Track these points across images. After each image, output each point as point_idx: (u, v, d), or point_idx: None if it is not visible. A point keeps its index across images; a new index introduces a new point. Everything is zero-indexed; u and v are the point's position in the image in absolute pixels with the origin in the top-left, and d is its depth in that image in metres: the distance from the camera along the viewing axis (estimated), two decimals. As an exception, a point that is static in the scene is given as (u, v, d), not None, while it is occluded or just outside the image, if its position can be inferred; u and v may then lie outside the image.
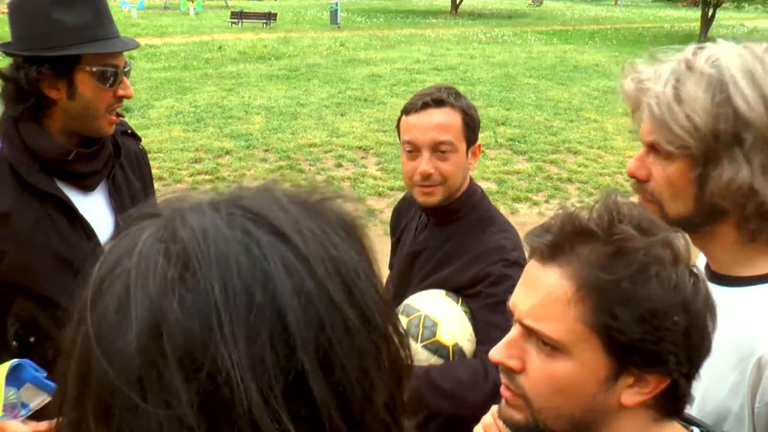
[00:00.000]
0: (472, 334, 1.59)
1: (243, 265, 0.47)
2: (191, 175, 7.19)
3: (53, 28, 1.46)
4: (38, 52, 1.46)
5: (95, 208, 1.64)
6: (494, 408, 1.03)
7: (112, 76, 1.54)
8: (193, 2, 35.16)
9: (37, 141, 1.52)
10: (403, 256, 1.82)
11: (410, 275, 1.77)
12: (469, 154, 1.72)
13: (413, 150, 1.65)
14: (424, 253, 1.75)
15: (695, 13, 30.36)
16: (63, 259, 1.55)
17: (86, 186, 1.62)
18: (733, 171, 1.00)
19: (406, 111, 1.70)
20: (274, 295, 0.47)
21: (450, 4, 40.82)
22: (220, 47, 18.33)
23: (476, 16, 37.76)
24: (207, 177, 7.17)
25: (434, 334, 1.55)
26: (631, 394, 0.84)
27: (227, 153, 8.09)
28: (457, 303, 1.62)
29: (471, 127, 1.70)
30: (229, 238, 0.48)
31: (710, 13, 27.13)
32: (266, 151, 8.26)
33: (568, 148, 8.85)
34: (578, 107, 11.71)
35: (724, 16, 46.06)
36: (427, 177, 1.62)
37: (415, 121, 1.66)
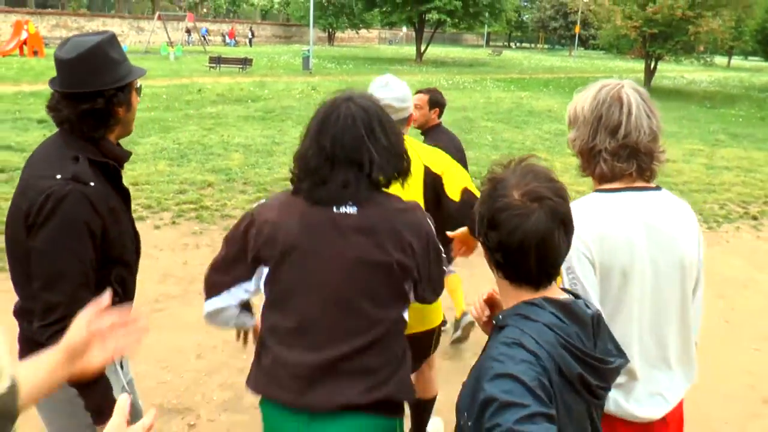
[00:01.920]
0: None
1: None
2: (177, 204, 7.64)
3: (115, 64, 2.00)
4: (119, 83, 1.99)
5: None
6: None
7: (140, 88, 2.15)
8: (173, 47, 35.67)
9: (115, 151, 2.06)
10: None
11: None
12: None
13: None
14: None
15: (641, 65, 31.61)
16: (133, 235, 2.19)
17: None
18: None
19: None
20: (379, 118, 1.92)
21: (415, 52, 41.93)
22: (199, 90, 18.86)
23: (439, 63, 38.88)
24: (192, 206, 7.62)
25: None
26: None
27: (209, 185, 8.55)
28: None
29: None
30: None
31: (652, 65, 28.41)
32: (245, 183, 8.74)
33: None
34: (531, 147, 12.42)
35: (667, 68, 47.82)
36: None
37: None
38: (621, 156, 1.85)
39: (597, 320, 1.46)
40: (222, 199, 7.97)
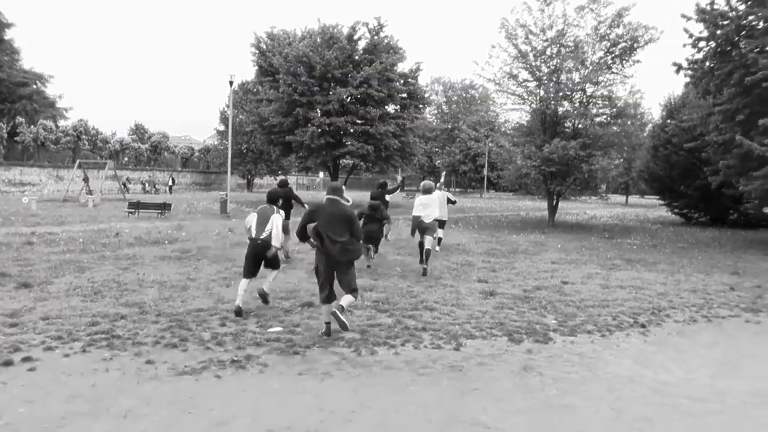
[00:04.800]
0: None
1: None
2: (88, 335, 7.64)
3: None
4: None
5: None
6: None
7: None
8: (92, 195, 35.65)
9: None
10: None
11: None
12: None
13: None
14: None
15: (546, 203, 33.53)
16: None
17: None
18: None
19: None
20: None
21: (332, 196, 43.16)
22: (117, 233, 18.90)
23: (355, 207, 40.03)
24: (103, 336, 7.64)
25: None
26: None
27: (122, 318, 8.59)
28: None
29: None
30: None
31: (555, 202, 30.23)
32: (158, 315, 8.81)
33: (426, 306, 9.91)
34: (438, 276, 12.97)
35: (572, 206, 50.66)
36: None
37: None
38: None
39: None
40: (134, 329, 8.02)
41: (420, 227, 13.73)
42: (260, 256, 9.43)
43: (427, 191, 14.07)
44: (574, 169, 26.79)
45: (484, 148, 75.85)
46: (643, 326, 9.30)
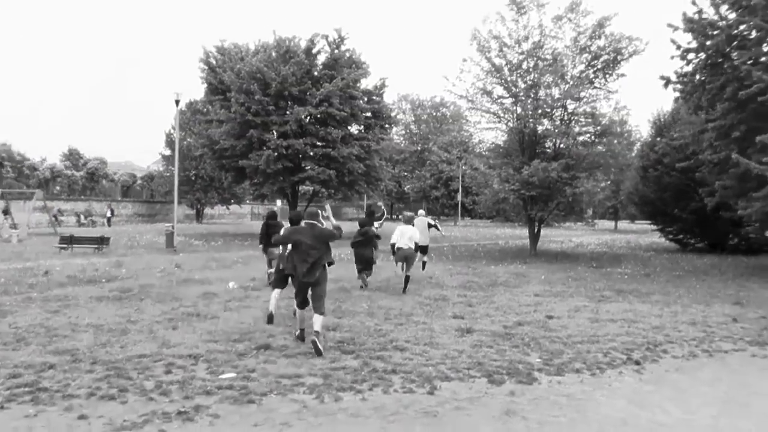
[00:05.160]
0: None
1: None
2: (8, 389, 7.38)
3: None
4: None
5: None
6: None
7: None
8: (16, 229, 35.00)
9: None
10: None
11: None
12: None
13: None
14: None
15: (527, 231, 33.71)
16: None
17: None
18: None
19: None
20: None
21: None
22: (46, 272, 18.53)
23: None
24: (27, 389, 7.39)
25: None
26: None
27: (51, 367, 8.33)
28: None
29: None
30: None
31: (536, 230, 30.44)
32: (93, 363, 8.58)
33: (396, 346, 9.82)
34: (409, 313, 12.91)
35: (555, 233, 51.14)
36: None
37: None
38: None
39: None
40: (65, 380, 7.78)
41: (398, 254, 16.23)
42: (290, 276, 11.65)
43: (408, 221, 16.81)
44: (557, 192, 27.08)
45: (458, 171, 76.42)
46: (637, 363, 9.30)
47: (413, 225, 16.94)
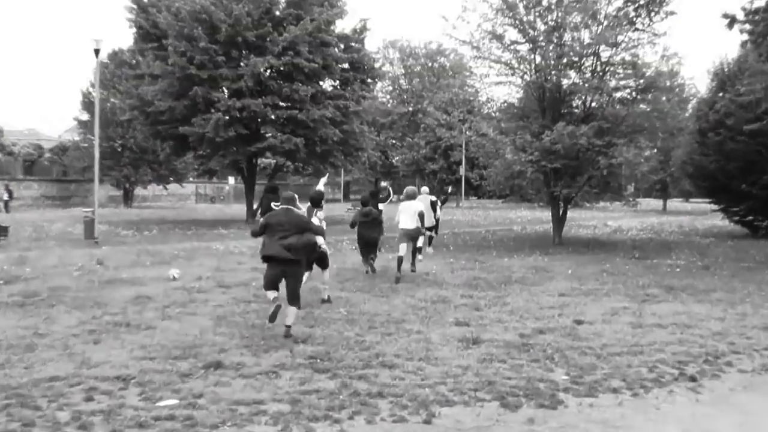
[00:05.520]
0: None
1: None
2: None
3: None
4: None
5: None
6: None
7: None
8: None
9: None
10: None
11: None
12: None
13: None
14: None
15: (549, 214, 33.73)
16: None
17: None
18: None
19: None
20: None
21: (246, 211, 42.82)
22: None
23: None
24: None
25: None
26: None
27: (-75, 400, 8.24)
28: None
29: None
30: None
31: (562, 212, 30.29)
32: (-12, 389, 8.52)
33: (383, 362, 9.80)
34: (399, 319, 12.90)
35: (586, 216, 51.35)
36: None
37: None
38: None
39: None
40: (-54, 413, 7.72)
41: (401, 235, 18.36)
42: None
43: (410, 197, 18.88)
44: (588, 164, 27.08)
45: (460, 138, 76.33)
46: (692, 379, 9.33)
47: (413, 201, 18.86)
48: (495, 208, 71.56)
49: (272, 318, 11.29)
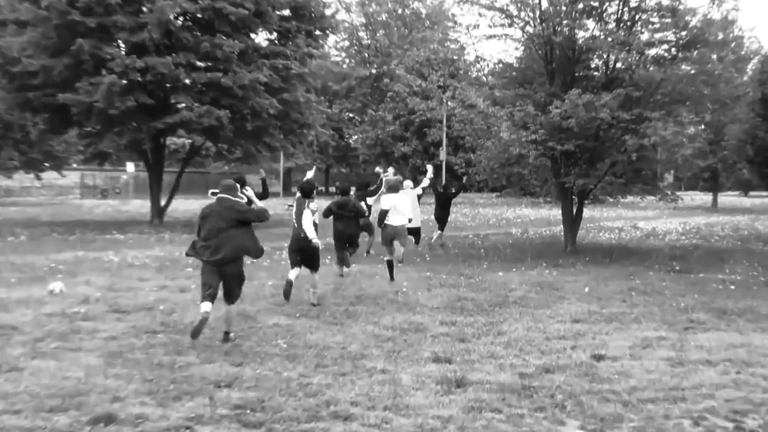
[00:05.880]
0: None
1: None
2: None
3: None
4: None
5: None
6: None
7: None
8: None
9: None
10: None
11: None
12: None
13: None
14: None
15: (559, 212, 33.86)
16: None
17: None
18: None
19: None
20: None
21: (150, 209, 42.50)
22: None
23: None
24: None
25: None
26: None
27: None
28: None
29: None
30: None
31: (576, 210, 30.37)
32: None
33: (335, 413, 9.77)
34: (358, 354, 12.88)
35: (609, 215, 51.65)
36: None
37: None
38: None
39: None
40: None
41: (385, 233, 20.71)
42: (301, 250, 17.20)
43: (393, 189, 20.85)
44: (611, 145, 27.23)
45: (440, 110, 76.23)
46: (751, 436, 9.36)
47: (398, 193, 20.89)
48: (486, 204, 71.81)
49: (195, 333, 12.98)
